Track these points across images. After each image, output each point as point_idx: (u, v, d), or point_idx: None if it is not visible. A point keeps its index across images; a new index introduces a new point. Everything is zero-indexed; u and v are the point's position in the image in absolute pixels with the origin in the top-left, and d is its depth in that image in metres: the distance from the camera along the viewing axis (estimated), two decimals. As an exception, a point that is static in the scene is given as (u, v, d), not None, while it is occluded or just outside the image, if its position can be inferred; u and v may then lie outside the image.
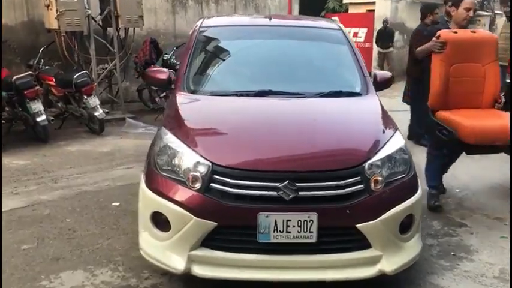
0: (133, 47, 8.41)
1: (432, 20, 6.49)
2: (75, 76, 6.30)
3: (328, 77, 3.57)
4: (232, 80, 3.50)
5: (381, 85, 3.54)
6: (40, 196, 4.32)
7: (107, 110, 6.72)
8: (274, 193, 2.52)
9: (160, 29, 9.70)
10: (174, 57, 8.76)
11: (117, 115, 7.75)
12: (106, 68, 7.91)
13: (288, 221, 2.52)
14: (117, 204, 4.18)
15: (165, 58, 8.53)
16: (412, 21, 15.16)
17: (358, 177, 2.57)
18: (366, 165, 2.60)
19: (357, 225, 2.55)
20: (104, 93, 8.21)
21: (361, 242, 2.60)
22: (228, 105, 3.16)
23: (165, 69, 3.70)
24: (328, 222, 2.54)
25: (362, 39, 13.60)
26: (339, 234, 2.61)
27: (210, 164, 2.58)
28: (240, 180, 2.54)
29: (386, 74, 3.65)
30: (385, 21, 12.95)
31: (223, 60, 3.70)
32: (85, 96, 6.39)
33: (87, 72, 6.72)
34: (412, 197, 2.72)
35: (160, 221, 2.69)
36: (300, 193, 2.51)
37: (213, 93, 3.29)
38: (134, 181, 4.71)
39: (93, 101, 6.43)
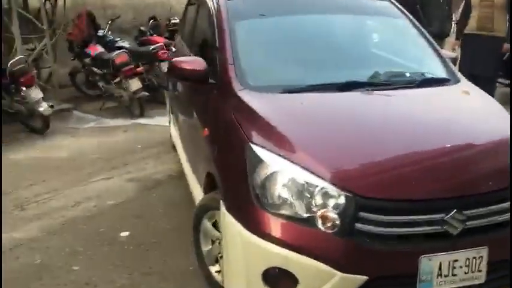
0: (61, 22, 6.98)
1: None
2: (10, 62, 4.91)
3: (404, 60, 2.93)
4: (299, 70, 2.70)
5: None
6: (13, 233, 3.20)
7: (51, 103, 5.43)
8: (438, 227, 1.89)
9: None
10: (109, 32, 7.51)
11: (56, 106, 6.37)
12: (34, 49, 6.43)
13: (454, 261, 1.92)
14: (126, 234, 3.22)
15: (100, 35, 7.25)
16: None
17: None
18: None
19: (525, 254, 2.04)
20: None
21: None
22: (327, 106, 2.38)
23: (199, 58, 2.78)
24: (498, 255, 1.99)
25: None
26: (506, 268, 2.06)
27: (352, 196, 1.86)
28: (397, 215, 1.87)
29: (451, 54, 3.12)
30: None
31: (275, 43, 2.86)
32: (24, 88, 5.05)
33: (24, 57, 5.32)
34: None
35: (277, 280, 1.93)
36: (468, 223, 1.92)
37: (287, 90, 2.49)
38: (127, 197, 3.79)
39: (35, 93, 5.11)
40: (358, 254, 1.87)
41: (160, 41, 7.49)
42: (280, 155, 2.00)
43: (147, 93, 6.22)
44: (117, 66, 5.88)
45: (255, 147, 2.06)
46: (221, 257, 2.50)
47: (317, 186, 1.89)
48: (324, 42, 2.89)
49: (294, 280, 1.90)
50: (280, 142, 2.07)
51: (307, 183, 1.91)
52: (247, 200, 2.00)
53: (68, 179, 4.18)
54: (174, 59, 2.79)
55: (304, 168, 1.93)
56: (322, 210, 1.87)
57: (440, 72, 2.81)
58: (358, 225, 1.85)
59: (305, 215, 1.90)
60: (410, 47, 3.02)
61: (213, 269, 2.58)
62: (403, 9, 3.25)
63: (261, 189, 1.96)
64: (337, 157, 2.00)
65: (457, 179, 1.97)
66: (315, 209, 1.89)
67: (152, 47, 6.71)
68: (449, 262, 1.91)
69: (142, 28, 8.02)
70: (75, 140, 5.30)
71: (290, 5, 3.10)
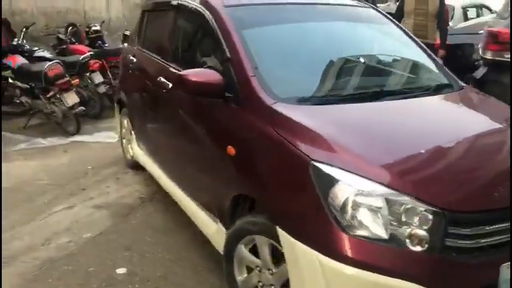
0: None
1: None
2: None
3: (414, 68, 2.94)
4: (323, 80, 2.57)
5: None
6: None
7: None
8: (507, 235, 1.90)
9: (-10, 4, 7.26)
10: (24, 41, 6.75)
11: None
12: None
13: None
14: (123, 270, 2.84)
15: (14, 44, 6.47)
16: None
17: None
18: None
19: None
20: None
21: None
22: (375, 117, 2.29)
23: (212, 71, 2.52)
24: None
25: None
26: None
27: (441, 211, 1.79)
28: (483, 226, 1.84)
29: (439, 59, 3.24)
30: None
31: (290, 52, 2.72)
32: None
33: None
34: None
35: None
36: None
37: (321, 101, 2.36)
38: (103, 228, 3.39)
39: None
40: (448, 270, 1.81)
41: (84, 49, 6.90)
42: (355, 173, 1.87)
43: (83, 108, 5.65)
44: (50, 79, 5.24)
45: (322, 166, 1.90)
46: (262, 285, 2.30)
47: (403, 203, 1.80)
48: (336, 51, 2.81)
49: (386, 306, 1.79)
50: (348, 158, 1.94)
51: (392, 201, 1.80)
52: (323, 224, 1.84)
53: (22, 212, 3.60)
54: (183, 72, 2.50)
55: (386, 185, 1.83)
56: (411, 229, 1.79)
57: (445, 79, 2.87)
58: (449, 240, 1.80)
59: (393, 235, 1.79)
60: (414, 55, 3.04)
61: (251, 299, 2.38)
62: (386, 15, 3.30)
63: (341, 211, 1.82)
64: (415, 171, 1.93)
65: None
66: (402, 228, 1.79)
67: (82, 56, 6.12)
68: None
69: (61, 36, 7.32)
70: (10, 166, 4.59)
71: (286, 13, 2.97)
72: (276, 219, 2.04)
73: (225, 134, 2.49)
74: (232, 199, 2.42)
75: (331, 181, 1.86)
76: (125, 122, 4.49)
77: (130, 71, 4.11)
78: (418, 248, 1.78)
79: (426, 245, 1.78)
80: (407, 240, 1.78)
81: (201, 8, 2.92)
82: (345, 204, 1.81)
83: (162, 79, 3.23)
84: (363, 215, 1.81)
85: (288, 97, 2.35)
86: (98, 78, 6.23)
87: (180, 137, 3.08)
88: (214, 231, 2.66)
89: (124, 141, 4.63)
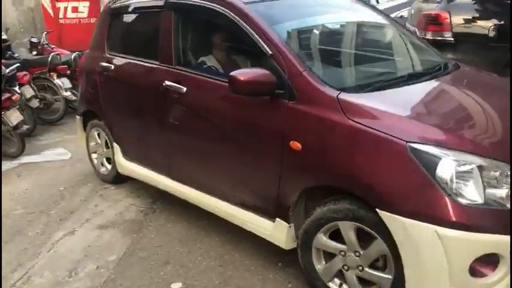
0: None
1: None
2: None
3: (422, 50, 3.19)
4: (364, 67, 2.71)
5: None
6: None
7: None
8: None
9: None
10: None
11: None
12: None
13: None
14: (179, 285, 2.72)
15: None
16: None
17: None
18: None
19: None
20: None
21: None
22: (431, 96, 2.51)
23: (262, 69, 2.49)
24: None
25: (85, 15, 12.11)
26: None
27: (526, 170, 2.07)
28: None
29: None
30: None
31: (323, 43, 2.81)
32: None
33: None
34: None
35: (483, 266, 2.02)
36: None
37: (377, 87, 2.47)
38: (125, 247, 3.21)
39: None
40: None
41: (-5, 62, 6.18)
42: (452, 148, 2.05)
43: (28, 126, 5.09)
44: (-13, 97, 4.64)
45: (421, 147, 2.05)
46: (347, 269, 2.40)
47: (497, 169, 2.03)
48: (362, 39, 2.99)
49: (496, 261, 2.02)
50: (438, 135, 2.12)
51: (488, 167, 2.03)
52: (434, 199, 1.99)
53: (20, 247, 3.20)
54: (234, 73, 2.44)
55: (480, 155, 2.04)
56: (507, 190, 2.03)
57: (442, 59, 3.20)
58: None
59: (494, 198, 2.02)
60: (417, 39, 3.31)
61: (334, 284, 2.48)
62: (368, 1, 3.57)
63: (449, 185, 1.99)
64: (497, 140, 2.19)
65: None
66: (501, 190, 2.03)
67: (8, 69, 5.48)
68: None
69: (-36, 49, 6.42)
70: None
71: (303, 7, 3.04)
72: (374, 203, 2.14)
73: (283, 130, 2.48)
74: (301, 193, 2.47)
75: (435, 158, 2.02)
76: (96, 135, 4.20)
77: (107, 80, 3.82)
78: (513, 207, 2.05)
79: (519, 202, 2.05)
80: (506, 200, 2.03)
81: (216, 7, 2.85)
82: (451, 178, 2.00)
83: (170, 83, 3.10)
84: (468, 185, 2.01)
85: (346, 86, 2.47)
86: (29, 92, 5.64)
87: (209, 141, 2.98)
88: (272, 228, 2.67)
89: (95, 155, 4.32)
